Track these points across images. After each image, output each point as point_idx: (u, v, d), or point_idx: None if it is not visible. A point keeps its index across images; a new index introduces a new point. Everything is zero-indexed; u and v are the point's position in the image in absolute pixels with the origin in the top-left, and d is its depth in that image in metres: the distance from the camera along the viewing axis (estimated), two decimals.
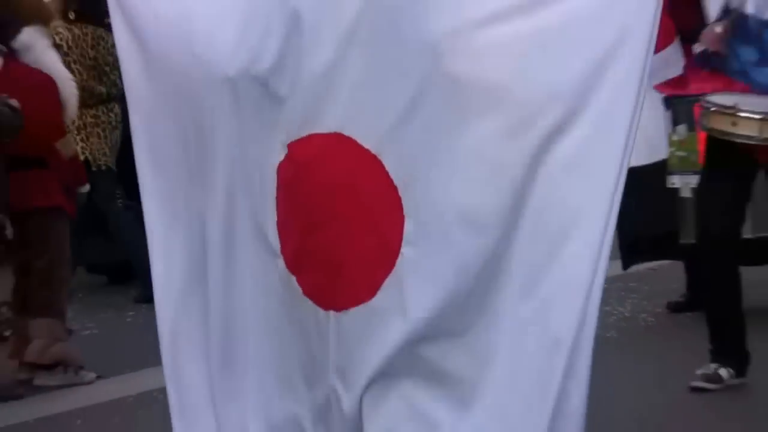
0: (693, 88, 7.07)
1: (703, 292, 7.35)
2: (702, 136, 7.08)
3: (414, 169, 3.11)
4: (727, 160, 6.27)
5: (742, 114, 5.93)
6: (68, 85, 6.92)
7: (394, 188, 3.12)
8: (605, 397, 5.81)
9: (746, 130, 5.96)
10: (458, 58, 2.99)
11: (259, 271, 3.34)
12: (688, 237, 7.31)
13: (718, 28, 6.04)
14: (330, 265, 3.27)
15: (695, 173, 7.04)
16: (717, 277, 6.56)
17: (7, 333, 6.63)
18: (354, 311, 3.20)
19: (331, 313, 3.25)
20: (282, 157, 3.23)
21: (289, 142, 3.21)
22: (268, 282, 3.35)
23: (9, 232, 6.34)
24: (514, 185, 3.03)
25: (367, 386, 3.26)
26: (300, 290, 3.27)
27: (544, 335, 3.12)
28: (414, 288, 3.13)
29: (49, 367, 6.71)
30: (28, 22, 6.61)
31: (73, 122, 7.63)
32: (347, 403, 3.29)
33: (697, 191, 6.81)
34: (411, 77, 3.06)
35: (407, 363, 3.23)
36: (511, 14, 2.99)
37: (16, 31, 6.47)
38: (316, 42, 3.13)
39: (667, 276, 8.76)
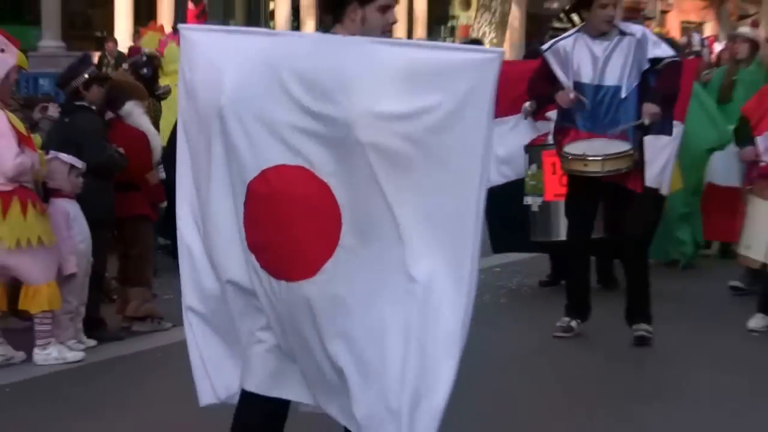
0: (539, 140, 10.12)
1: (564, 270, 10.00)
2: (546, 171, 9.86)
3: (350, 194, 4.46)
4: (582, 188, 8.41)
5: (590, 158, 8.05)
6: (155, 139, 9.69)
7: (337, 205, 4.48)
8: (499, 340, 8.76)
9: (594, 168, 8.08)
10: (365, 131, 4.35)
11: (233, 245, 4.84)
12: (535, 236, 10.27)
13: (571, 94, 8.15)
14: (288, 251, 4.61)
15: (539, 196, 9.91)
16: (575, 260, 8.98)
17: (114, 297, 9.64)
18: (302, 282, 4.56)
19: (283, 282, 4.63)
20: (255, 175, 4.60)
21: (265, 167, 4.56)
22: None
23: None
24: (416, 204, 4.43)
25: (299, 330, 4.69)
26: (258, 264, 4.70)
27: (427, 307, 4.43)
28: (344, 272, 4.51)
29: (141, 319, 9.27)
30: (130, 97, 9.43)
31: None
32: (290, 337, 4.76)
33: (565, 207, 9.02)
34: (340, 137, 4.41)
35: (330, 324, 4.59)
36: (397, 114, 4.36)
37: (122, 103, 9.30)
38: (289, 107, 4.51)
39: (539, 263, 11.48)
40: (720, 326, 9.44)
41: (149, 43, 14.56)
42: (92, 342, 8.66)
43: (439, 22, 43.06)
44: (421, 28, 38.26)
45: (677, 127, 9.98)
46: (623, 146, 8.17)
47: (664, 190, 10.50)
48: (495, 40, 23.89)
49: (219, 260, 5.01)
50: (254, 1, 38.30)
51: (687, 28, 43.04)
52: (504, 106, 9.77)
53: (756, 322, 9.23)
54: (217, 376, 5.28)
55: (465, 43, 13.44)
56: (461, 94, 4.50)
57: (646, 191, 8.96)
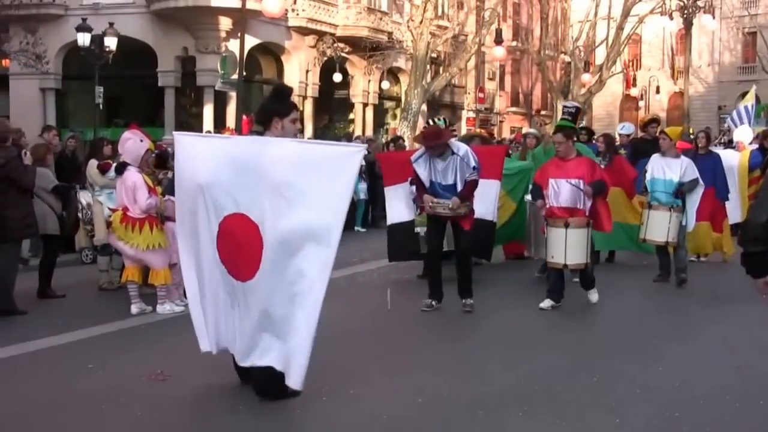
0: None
1: (426, 269, 13.92)
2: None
3: (269, 226, 7.25)
4: (438, 221, 12.29)
5: (439, 208, 11.97)
6: None
7: (260, 234, 7.28)
8: (391, 313, 12.02)
9: (442, 210, 11.97)
10: (284, 190, 7.11)
11: (213, 260, 7.76)
12: (422, 250, 14.03)
13: (428, 204, 12.13)
14: (238, 263, 7.51)
15: (425, 227, 13.31)
16: (431, 264, 12.79)
17: None
18: (248, 282, 7.46)
19: (239, 282, 7.55)
20: (222, 219, 7.56)
21: (226, 214, 7.52)
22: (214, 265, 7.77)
23: None
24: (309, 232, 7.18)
25: (249, 316, 7.57)
26: (226, 271, 7.66)
27: (310, 299, 7.29)
28: (269, 273, 7.28)
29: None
30: None
31: None
32: (243, 317, 7.66)
33: (426, 234, 12.95)
34: (268, 196, 7.18)
35: (264, 304, 7.41)
36: (298, 182, 7.15)
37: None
38: (236, 179, 7.39)
39: (419, 265, 15.10)
40: (519, 303, 12.84)
41: None
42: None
43: (379, 125, 49.66)
44: (368, 130, 44.97)
45: (497, 183, 14.48)
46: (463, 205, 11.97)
47: (495, 219, 14.85)
48: (410, 137, 32.11)
49: (202, 270, 8.00)
50: None
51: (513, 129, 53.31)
52: (395, 176, 14.56)
53: (545, 303, 12.45)
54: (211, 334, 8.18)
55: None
56: (335, 170, 7.05)
57: (477, 223, 12.92)
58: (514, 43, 64.54)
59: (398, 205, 14.89)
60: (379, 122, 52.39)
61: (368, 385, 8.70)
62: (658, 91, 79.17)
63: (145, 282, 12.42)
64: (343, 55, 47.32)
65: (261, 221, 7.28)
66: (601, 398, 8.26)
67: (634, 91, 79.72)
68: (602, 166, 14.78)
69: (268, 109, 7.98)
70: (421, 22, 38.95)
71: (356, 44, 47.08)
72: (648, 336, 10.88)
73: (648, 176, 14.58)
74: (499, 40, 47.10)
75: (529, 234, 16.89)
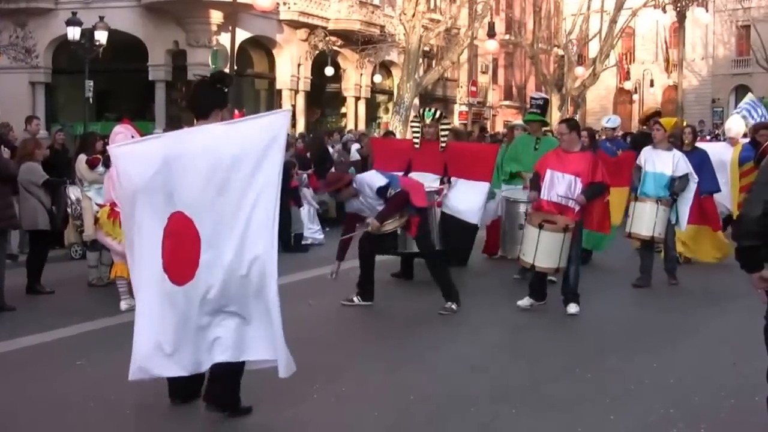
0: None
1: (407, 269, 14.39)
2: None
3: (206, 222, 6.82)
4: (379, 236, 11.80)
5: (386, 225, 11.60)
6: None
7: (197, 233, 6.82)
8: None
9: (392, 226, 11.75)
10: (220, 171, 6.74)
11: (158, 273, 7.08)
12: (400, 249, 13.48)
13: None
14: (178, 265, 6.95)
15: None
16: (365, 263, 12.38)
17: None
18: (187, 285, 6.93)
19: (181, 286, 6.96)
20: (166, 221, 6.98)
21: (168, 214, 6.97)
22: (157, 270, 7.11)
23: None
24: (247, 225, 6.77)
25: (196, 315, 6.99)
26: (168, 278, 7.03)
27: (264, 294, 6.82)
28: (206, 276, 6.84)
29: None
30: None
31: None
32: (189, 318, 7.01)
33: (360, 242, 12.25)
34: (198, 184, 6.80)
35: (206, 309, 6.96)
36: (231, 162, 6.74)
37: None
38: (173, 178, 6.89)
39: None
40: (506, 302, 12.37)
41: None
42: None
43: (372, 119, 49.57)
44: (361, 124, 45.09)
45: (487, 184, 13.97)
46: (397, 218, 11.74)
47: (480, 224, 14.36)
48: (401, 131, 32.63)
49: (144, 279, 7.31)
50: (270, 107, 44.24)
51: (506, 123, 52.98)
52: (385, 162, 14.22)
53: (524, 302, 12.08)
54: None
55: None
56: (266, 140, 6.73)
57: (458, 225, 13.46)
58: (506, 37, 64.52)
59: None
60: (372, 116, 52.50)
61: (358, 383, 8.69)
62: (652, 85, 79.30)
63: None
64: (335, 48, 47.36)
65: (195, 214, 6.84)
66: (595, 395, 8.23)
67: (627, 85, 79.91)
68: None
69: (206, 100, 7.52)
70: (413, 15, 38.92)
71: (348, 38, 47.11)
72: (642, 333, 10.90)
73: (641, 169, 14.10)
74: (491, 34, 47.04)
75: (503, 233, 15.50)
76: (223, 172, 6.72)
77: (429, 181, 13.64)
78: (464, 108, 60.07)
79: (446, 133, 14.17)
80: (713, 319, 11.71)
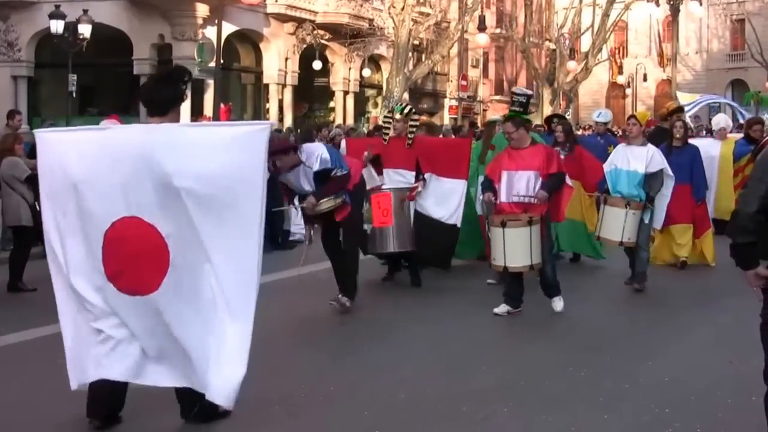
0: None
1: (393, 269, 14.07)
2: (374, 208, 13.12)
3: (173, 229, 6.31)
4: (328, 220, 11.49)
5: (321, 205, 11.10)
6: None
7: (163, 239, 6.32)
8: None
9: (326, 206, 11.19)
10: (178, 180, 6.16)
11: (97, 279, 6.59)
12: (370, 250, 13.55)
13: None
14: (135, 275, 6.43)
15: (370, 223, 13.17)
16: (330, 259, 11.93)
17: None
18: (149, 296, 6.43)
19: (138, 297, 6.46)
20: (108, 226, 6.43)
21: (114, 219, 6.41)
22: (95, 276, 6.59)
23: None
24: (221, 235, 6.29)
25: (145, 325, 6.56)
26: (115, 288, 6.51)
27: (226, 311, 6.44)
28: (177, 283, 6.36)
29: None
30: None
31: None
32: (146, 334, 6.61)
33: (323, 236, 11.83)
34: (161, 191, 6.23)
35: (175, 320, 6.45)
36: (199, 172, 6.22)
37: None
38: (126, 176, 6.34)
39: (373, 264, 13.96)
40: (498, 301, 11.76)
41: None
42: None
43: (360, 114, 49.58)
44: (349, 119, 45.08)
45: (463, 182, 13.66)
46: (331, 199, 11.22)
47: (459, 223, 13.68)
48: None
49: (76, 286, 6.76)
50: (257, 101, 45.45)
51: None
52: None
53: (499, 309, 11.57)
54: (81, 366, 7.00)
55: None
56: (242, 156, 6.18)
57: (436, 227, 13.27)
58: (497, 30, 64.49)
59: None
60: (360, 111, 52.39)
61: (348, 382, 8.68)
62: (645, 79, 79.35)
63: None
64: (323, 42, 47.26)
65: (159, 222, 6.33)
66: (589, 393, 8.23)
67: (620, 79, 79.91)
68: (561, 157, 13.99)
69: (164, 96, 6.86)
70: (402, 8, 38.97)
71: (336, 31, 47.03)
72: (637, 330, 10.92)
73: (607, 167, 13.60)
74: (482, 27, 47.09)
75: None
76: (190, 182, 6.20)
77: (401, 177, 13.51)
78: (454, 102, 59.95)
79: (414, 129, 13.79)
80: (709, 317, 11.68)
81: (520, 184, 11.38)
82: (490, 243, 11.75)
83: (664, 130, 17.65)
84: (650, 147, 13.58)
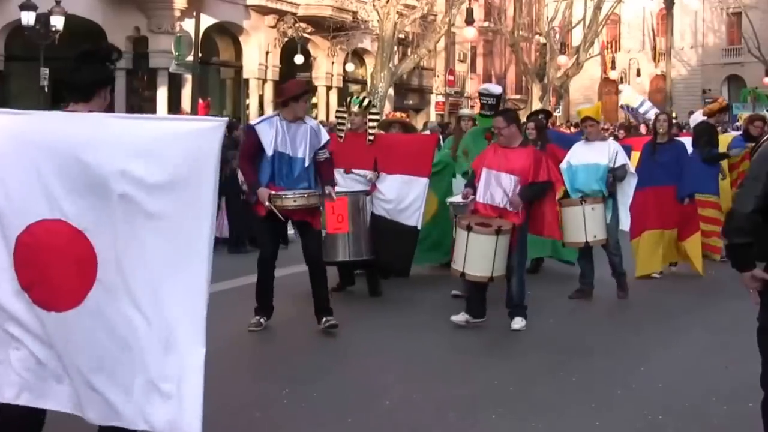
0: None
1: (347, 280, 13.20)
2: (327, 213, 11.96)
3: (105, 237, 5.31)
4: (274, 220, 10.41)
5: (282, 195, 10.22)
6: None
7: (92, 247, 5.34)
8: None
9: (291, 203, 10.25)
10: (118, 184, 5.19)
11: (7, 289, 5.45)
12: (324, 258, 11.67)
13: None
14: (52, 287, 5.42)
15: (324, 229, 11.91)
16: (262, 272, 10.74)
17: None
18: (69, 312, 5.39)
19: (53, 313, 5.42)
20: (22, 230, 5.39)
21: (30, 222, 5.38)
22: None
23: None
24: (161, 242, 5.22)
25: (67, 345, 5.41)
26: (30, 300, 5.46)
27: (160, 333, 5.32)
28: (106, 300, 5.32)
29: None
30: None
31: None
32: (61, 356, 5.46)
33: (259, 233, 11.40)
34: (96, 194, 5.26)
35: (95, 342, 5.34)
36: (136, 174, 5.17)
37: None
38: (46, 172, 5.35)
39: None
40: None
41: None
42: None
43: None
44: (332, 115, 45.08)
45: (425, 181, 13.01)
46: (311, 189, 10.49)
47: (419, 225, 13.06)
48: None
49: None
50: (236, 97, 45.84)
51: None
52: None
53: (458, 317, 10.99)
54: None
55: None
56: (191, 156, 5.23)
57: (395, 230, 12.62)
58: (486, 24, 64.63)
59: None
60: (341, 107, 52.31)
61: (331, 386, 8.66)
62: (638, 74, 79.67)
63: None
64: (305, 35, 47.33)
65: (89, 228, 5.41)
66: (581, 399, 8.24)
67: (613, 74, 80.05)
68: None
69: (85, 78, 5.97)
70: (387, 0, 38.90)
71: (319, 24, 47.09)
72: (629, 333, 10.94)
73: (564, 165, 12.84)
74: (470, 20, 47.14)
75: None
76: (128, 184, 5.27)
77: (358, 178, 12.86)
78: (441, 98, 60.12)
79: (375, 123, 13.24)
80: (704, 320, 11.71)
81: (497, 187, 10.92)
82: (455, 243, 11.24)
83: (712, 126, 17.14)
84: (611, 141, 13.32)
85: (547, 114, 17.05)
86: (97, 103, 5.90)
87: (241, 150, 11.14)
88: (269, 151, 10.45)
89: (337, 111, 14.65)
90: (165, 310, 5.38)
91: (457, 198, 12.84)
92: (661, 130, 14.59)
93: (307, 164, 10.57)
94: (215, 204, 5.34)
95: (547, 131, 15.33)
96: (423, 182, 13.09)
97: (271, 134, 10.46)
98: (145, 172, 5.27)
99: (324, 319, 10.67)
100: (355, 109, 13.00)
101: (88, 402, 5.54)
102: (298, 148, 10.53)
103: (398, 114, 19.59)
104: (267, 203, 10.27)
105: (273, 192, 10.31)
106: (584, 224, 12.45)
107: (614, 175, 12.70)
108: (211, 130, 5.32)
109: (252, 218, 12.13)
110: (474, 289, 11.09)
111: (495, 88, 12.50)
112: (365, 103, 13.22)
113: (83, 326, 5.41)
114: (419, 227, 13.13)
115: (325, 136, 10.79)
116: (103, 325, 5.39)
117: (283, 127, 10.51)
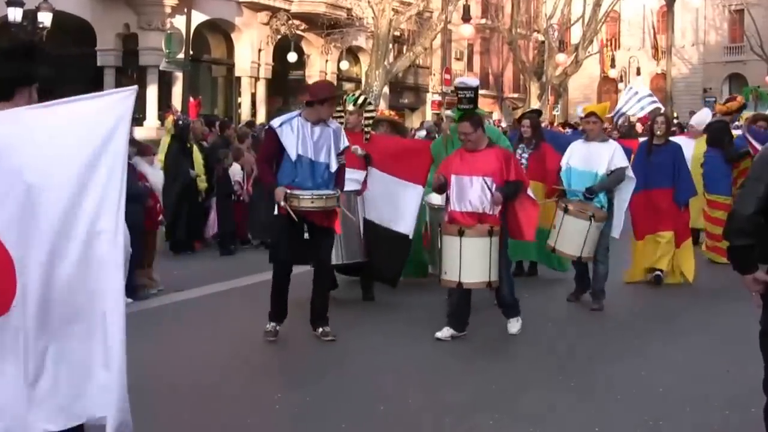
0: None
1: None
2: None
3: (22, 238, 4.97)
4: (291, 223, 10.14)
5: (299, 195, 10.05)
6: (154, 179, 13.95)
7: (6, 251, 4.98)
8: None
9: (309, 205, 10.07)
10: (31, 175, 4.88)
11: None
12: None
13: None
14: None
15: None
16: (279, 279, 10.56)
17: None
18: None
19: None
20: None
21: None
22: None
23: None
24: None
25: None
26: None
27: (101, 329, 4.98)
28: (29, 304, 5.01)
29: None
30: (140, 154, 13.59)
31: None
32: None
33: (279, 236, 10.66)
34: (10, 193, 4.94)
35: (32, 347, 5.03)
36: (58, 158, 4.91)
37: (129, 158, 11.87)
38: None
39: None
40: (485, 306, 11.37)
41: (168, 122, 19.49)
42: (129, 300, 11.31)
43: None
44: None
45: (421, 189, 12.66)
46: (330, 191, 10.28)
47: (411, 234, 12.70)
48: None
49: None
50: (228, 95, 45.91)
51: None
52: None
53: (442, 332, 10.64)
54: None
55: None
56: (106, 128, 5.07)
57: (390, 237, 12.33)
58: (483, 21, 64.64)
59: None
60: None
61: (325, 391, 8.68)
62: (638, 73, 79.51)
63: None
64: (299, 33, 47.31)
65: (6, 228, 5.10)
66: (579, 404, 8.26)
67: (612, 73, 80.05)
68: (525, 155, 14.20)
69: (7, 75, 5.63)
70: None
71: (313, 21, 47.06)
72: (629, 337, 10.94)
73: (563, 167, 12.80)
74: (466, 18, 47.17)
75: (434, 245, 12.62)
76: (36, 176, 5.02)
77: (352, 178, 12.08)
78: (437, 97, 59.96)
79: (370, 122, 13.06)
80: (705, 323, 11.73)
81: (472, 192, 10.63)
82: (441, 255, 10.74)
83: (726, 124, 16.93)
84: (612, 143, 12.92)
85: (540, 114, 16.71)
86: (21, 103, 5.50)
87: (260, 151, 10.87)
88: (293, 155, 10.31)
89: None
90: (86, 298, 5.12)
91: (434, 197, 12.40)
92: (658, 132, 14.34)
93: (334, 168, 10.50)
94: (123, 194, 5.06)
95: (542, 130, 15.28)
96: (418, 190, 12.84)
97: (293, 137, 10.34)
98: (54, 156, 5.05)
99: (321, 329, 10.60)
100: (350, 107, 12.81)
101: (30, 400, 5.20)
102: (320, 152, 10.41)
103: (386, 112, 19.16)
104: (282, 202, 10.15)
105: (289, 191, 10.17)
106: (584, 241, 12.22)
107: (605, 181, 12.41)
108: (121, 99, 5.16)
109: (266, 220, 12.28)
110: (459, 300, 10.81)
111: (472, 81, 12.11)
112: (360, 100, 13.03)
113: (16, 331, 5.10)
114: (411, 236, 12.83)
115: (344, 142, 10.66)
116: (37, 326, 5.11)
117: (305, 130, 10.39)
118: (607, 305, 12.58)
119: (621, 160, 12.49)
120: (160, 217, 14.52)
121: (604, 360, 9.83)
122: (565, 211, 12.28)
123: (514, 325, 10.97)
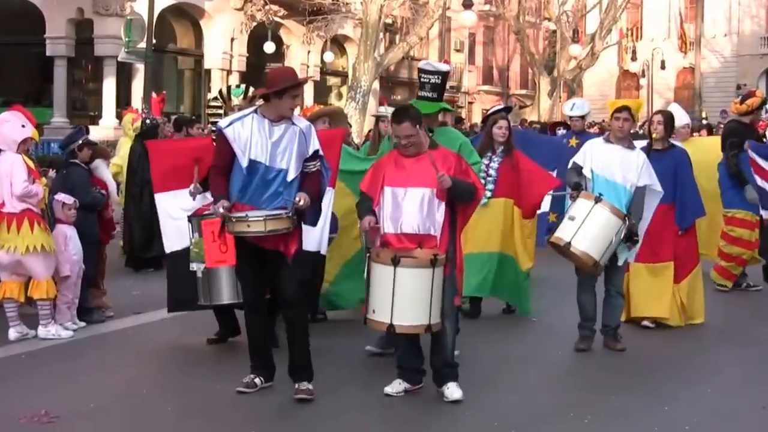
0: (200, 211, 11.17)
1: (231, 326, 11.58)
2: (206, 240, 10.59)
3: None
4: (248, 252, 9.29)
5: (251, 219, 8.85)
6: (112, 186, 13.79)
7: None
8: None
9: (256, 228, 8.86)
10: None
11: None
12: (201, 301, 11.08)
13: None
14: None
15: (202, 263, 10.79)
16: (253, 320, 9.63)
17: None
18: None
19: None
20: None
21: None
22: None
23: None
24: None
25: None
26: None
27: None
28: None
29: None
30: (97, 157, 13.18)
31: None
32: None
33: (236, 271, 9.91)
34: None
35: None
36: None
37: (92, 161, 12.75)
38: None
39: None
40: (492, 332, 11.85)
41: (127, 120, 19.59)
42: (82, 324, 12.31)
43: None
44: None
45: (330, 191, 10.94)
46: (281, 211, 8.96)
47: (324, 251, 11.68)
48: (358, 120, 33.23)
49: None
50: (196, 90, 46.51)
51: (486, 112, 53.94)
52: (170, 175, 11.58)
53: (393, 387, 9.53)
54: None
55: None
56: None
57: (304, 255, 9.75)
58: (486, 7, 64.89)
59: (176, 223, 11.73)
60: (321, 102, 52.36)
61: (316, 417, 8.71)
62: (663, 67, 79.68)
63: (29, 300, 12.19)
64: (277, 19, 47.36)
65: None
66: None
67: (633, 67, 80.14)
68: (494, 165, 13.13)
69: None
70: None
71: (293, 7, 47.16)
72: (649, 369, 10.87)
73: (587, 172, 11.49)
74: (468, 3, 47.14)
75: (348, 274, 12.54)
76: None
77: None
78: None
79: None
80: (736, 352, 11.68)
81: (410, 207, 9.29)
82: (369, 287, 9.28)
83: (745, 125, 15.65)
84: (639, 152, 11.69)
85: (509, 111, 14.97)
86: None
87: (212, 161, 9.56)
88: (243, 161, 9.17)
89: (208, 106, 13.39)
90: None
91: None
92: (655, 135, 13.02)
93: (291, 177, 9.25)
94: None
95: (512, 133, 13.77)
96: (329, 192, 11.16)
97: (244, 138, 9.18)
98: None
99: (297, 385, 9.41)
100: (237, 101, 12.33)
101: None
102: (278, 156, 9.21)
103: (317, 106, 17.75)
104: (223, 224, 9.19)
105: (236, 214, 9.04)
106: (609, 245, 10.99)
107: (633, 207, 11.27)
108: None
109: None
110: (407, 345, 9.67)
111: (442, 65, 10.99)
112: (249, 93, 12.46)
113: None
114: (324, 253, 11.82)
115: (315, 144, 9.36)
116: None
117: (262, 129, 9.22)
118: (624, 334, 11.96)
119: (649, 177, 11.41)
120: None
121: (621, 394, 9.73)
122: (597, 201, 10.98)
123: (454, 391, 9.39)
